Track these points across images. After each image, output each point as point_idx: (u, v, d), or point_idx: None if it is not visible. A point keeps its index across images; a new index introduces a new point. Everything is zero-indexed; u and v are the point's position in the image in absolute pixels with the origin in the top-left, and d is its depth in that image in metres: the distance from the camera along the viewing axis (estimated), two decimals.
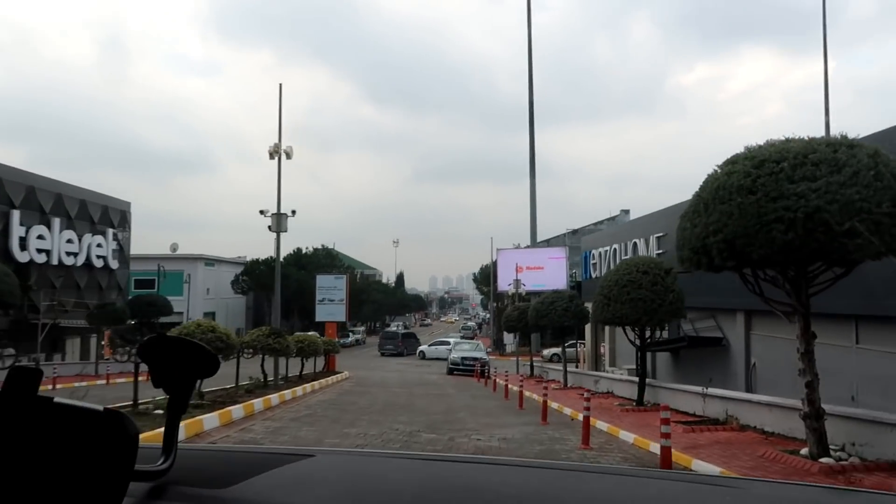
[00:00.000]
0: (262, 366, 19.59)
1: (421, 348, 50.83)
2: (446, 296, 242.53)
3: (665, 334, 23.38)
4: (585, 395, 12.63)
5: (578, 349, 49.69)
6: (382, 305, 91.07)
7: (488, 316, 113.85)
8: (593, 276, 31.71)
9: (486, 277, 61.10)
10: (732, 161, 9.27)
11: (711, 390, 13.64)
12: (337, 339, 59.96)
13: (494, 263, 56.26)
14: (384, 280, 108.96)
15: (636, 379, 18.98)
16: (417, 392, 22.64)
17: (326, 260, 66.43)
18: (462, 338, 73.99)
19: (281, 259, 57.56)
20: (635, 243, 27.10)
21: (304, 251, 64.40)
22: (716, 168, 9.56)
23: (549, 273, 54.07)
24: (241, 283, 53.36)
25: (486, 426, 13.58)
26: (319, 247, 65.96)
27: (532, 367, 31.17)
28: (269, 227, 20.64)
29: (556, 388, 22.63)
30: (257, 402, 14.75)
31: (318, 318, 31.88)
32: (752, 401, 12.62)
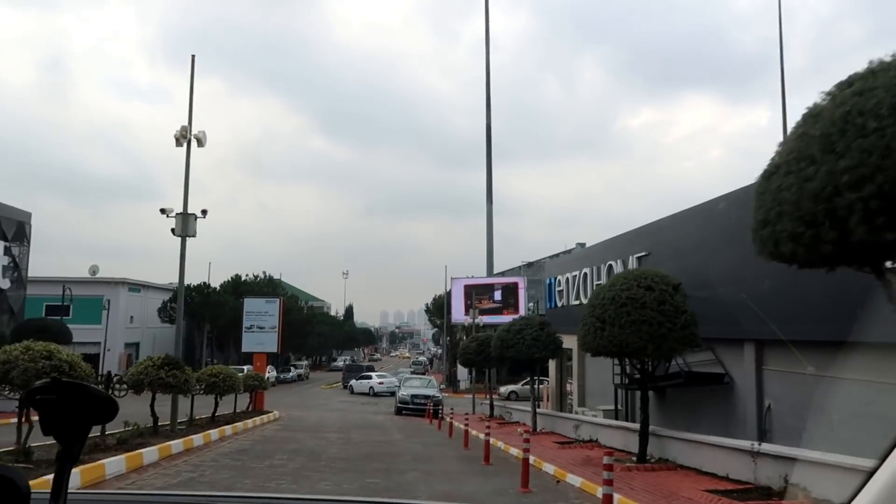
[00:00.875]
0: (151, 406, 15.01)
1: (351, 382, 46.59)
2: (397, 330, 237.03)
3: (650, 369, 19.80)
4: (568, 444, 8.57)
5: (541, 386, 45.82)
6: (329, 338, 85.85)
7: (440, 351, 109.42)
8: (559, 304, 27.91)
9: (438, 308, 56.96)
10: (854, 80, 5.53)
11: (766, 447, 9.76)
12: (269, 374, 54.97)
13: (448, 294, 52.26)
14: (333, 313, 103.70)
15: (630, 425, 15.11)
16: (356, 438, 18.27)
17: (268, 288, 61.36)
18: (413, 373, 69.37)
19: (215, 286, 52.30)
20: (610, 266, 23.48)
21: (243, 278, 59.34)
22: (823, 94, 5.80)
23: (507, 303, 50.31)
24: (168, 310, 48.07)
25: (445, 497, 9.39)
26: (261, 274, 61.06)
27: (492, 406, 27.01)
28: (173, 231, 16.23)
29: (524, 434, 18.56)
30: (112, 462, 10.19)
31: (245, 347, 27.27)
32: (828, 462, 8.77)
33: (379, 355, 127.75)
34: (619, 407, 21.40)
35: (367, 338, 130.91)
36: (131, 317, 49.86)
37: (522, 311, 48.66)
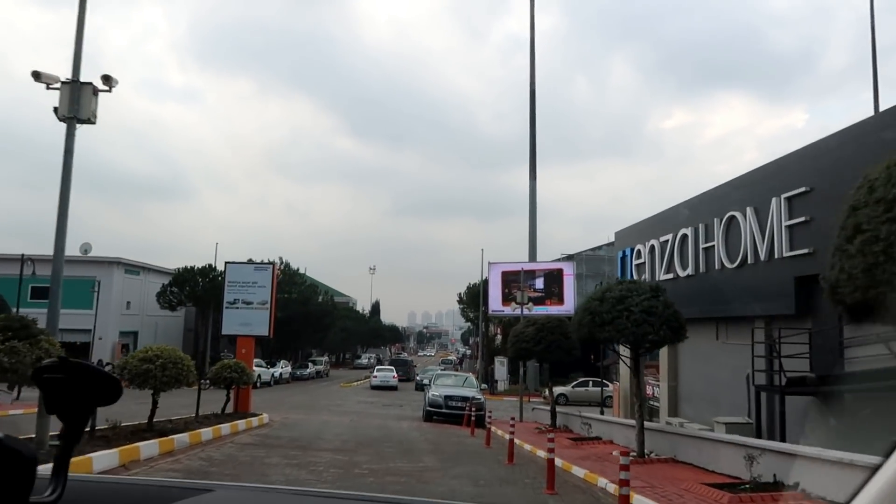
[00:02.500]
0: None
1: (373, 378, 44.52)
2: (425, 330, 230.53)
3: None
4: None
5: (599, 389, 38.48)
6: (353, 334, 79.13)
7: (469, 352, 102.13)
8: (644, 280, 20.56)
9: (473, 298, 49.68)
10: None
11: None
12: (282, 370, 48.26)
13: (485, 282, 45.09)
14: (359, 310, 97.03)
15: (828, 455, 7.97)
16: (362, 464, 11.28)
17: (283, 276, 54.80)
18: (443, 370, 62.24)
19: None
20: (732, 218, 16.23)
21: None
22: None
23: (552, 293, 43.00)
24: (168, 295, 41.71)
25: None
26: (277, 259, 54.43)
27: (554, 413, 19.81)
28: (56, 112, 9.37)
29: (623, 459, 11.45)
30: None
31: (226, 328, 20.34)
32: None
33: (406, 354, 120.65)
34: (749, 419, 14.13)
35: (394, 335, 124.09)
36: (128, 302, 43.58)
37: (569, 302, 41.38)
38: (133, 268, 44.05)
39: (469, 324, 57.38)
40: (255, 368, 41.72)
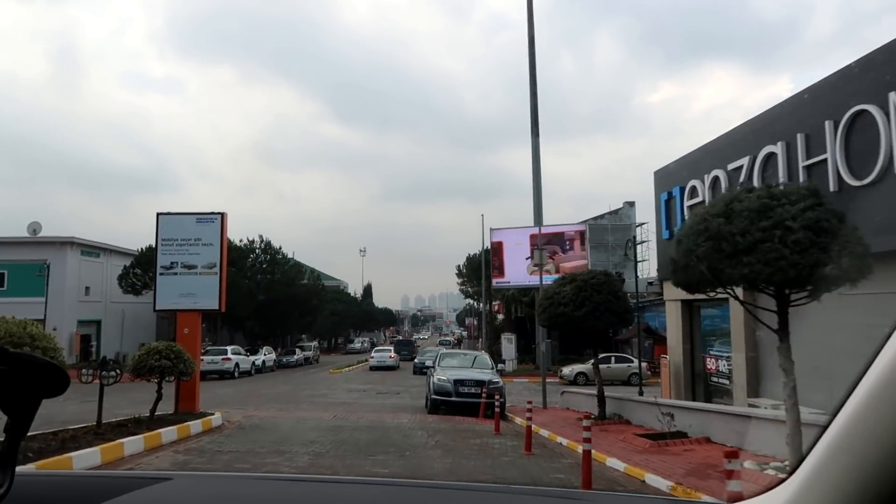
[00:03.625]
0: None
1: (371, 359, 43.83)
2: (419, 313, 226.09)
3: None
4: None
5: (624, 365, 33.66)
6: (344, 318, 74.20)
7: (464, 333, 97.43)
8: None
9: (474, 270, 44.66)
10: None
11: None
12: (265, 357, 43.20)
13: (487, 251, 40.17)
14: (351, 293, 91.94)
15: None
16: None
17: (265, 256, 49.71)
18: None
19: None
20: (859, 114, 11.32)
21: (233, 244, 47.60)
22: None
23: (567, 258, 38.10)
24: (131, 277, 36.52)
25: None
26: (256, 238, 49.30)
27: (602, 399, 14.95)
28: None
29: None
30: None
31: (161, 302, 15.14)
32: None
33: (401, 337, 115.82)
34: None
35: (388, 319, 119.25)
36: (87, 287, 38.33)
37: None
38: (91, 249, 38.79)
39: (469, 300, 52.37)
40: (231, 357, 36.94)
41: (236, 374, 35.27)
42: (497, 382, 17.46)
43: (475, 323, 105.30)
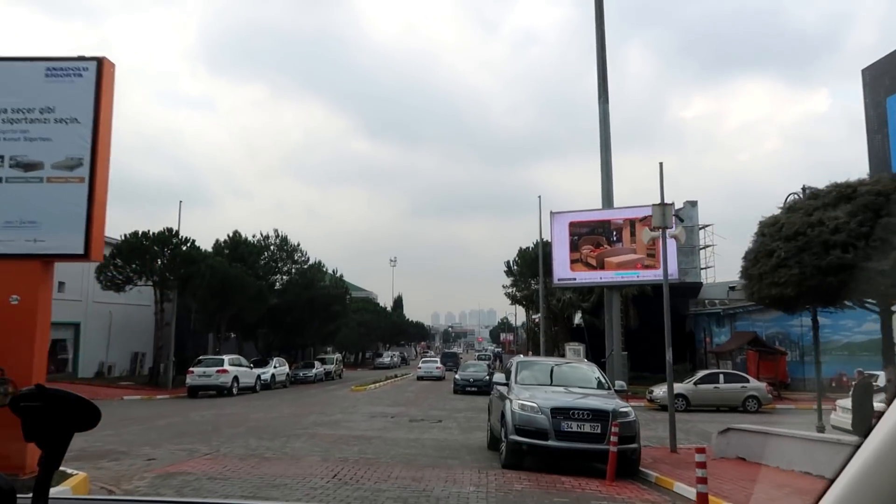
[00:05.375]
0: None
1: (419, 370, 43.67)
2: (450, 329, 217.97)
3: None
4: None
5: (738, 385, 24.83)
6: (373, 329, 66.61)
7: (499, 350, 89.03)
8: None
9: (530, 264, 36.57)
10: None
11: None
12: (275, 370, 35.26)
13: (544, 244, 32.32)
14: (380, 303, 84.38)
15: None
16: None
17: (282, 253, 42.46)
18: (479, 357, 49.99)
19: (195, 240, 33.60)
20: None
21: (244, 238, 40.44)
22: None
23: (646, 252, 30.08)
24: (111, 270, 29.45)
25: None
26: (271, 233, 42.01)
27: None
28: None
29: None
30: None
31: None
32: None
33: (433, 352, 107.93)
34: None
35: (420, 332, 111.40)
36: (60, 283, 31.21)
37: (672, 264, 28.54)
38: None
39: (516, 307, 44.00)
40: (229, 369, 29.46)
41: (234, 391, 27.84)
42: (627, 414, 9.58)
43: (510, 338, 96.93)
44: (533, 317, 60.25)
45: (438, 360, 49.78)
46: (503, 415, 10.14)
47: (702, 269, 41.67)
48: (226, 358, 28.38)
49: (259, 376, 31.07)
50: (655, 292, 38.70)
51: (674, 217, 13.75)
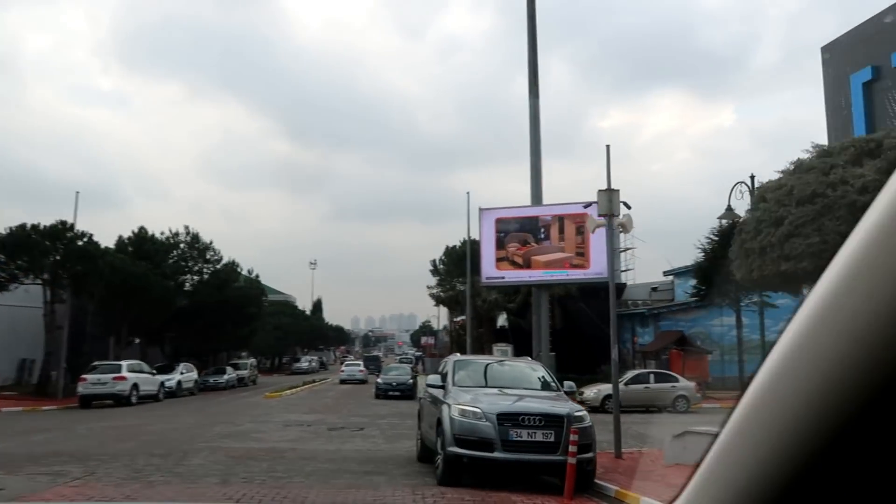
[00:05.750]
0: None
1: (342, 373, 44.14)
2: (370, 334, 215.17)
3: None
4: None
5: (668, 385, 24.09)
6: (290, 333, 63.79)
7: (420, 353, 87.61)
8: None
9: (457, 262, 35.24)
10: None
11: None
12: (181, 377, 32.25)
13: (472, 242, 31.18)
14: (300, 309, 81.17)
15: None
16: None
17: (192, 252, 39.48)
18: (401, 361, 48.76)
19: (94, 236, 30.48)
20: None
21: (151, 235, 37.29)
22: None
23: (576, 249, 29.39)
24: None
25: None
26: (181, 229, 38.97)
27: None
28: None
29: None
30: None
31: None
32: None
33: (353, 357, 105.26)
34: None
35: (340, 336, 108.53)
36: None
37: (598, 263, 27.93)
38: None
39: (440, 307, 42.42)
40: (127, 376, 26.63)
41: (134, 400, 25.13)
42: (583, 419, 8.30)
43: (432, 342, 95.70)
44: (455, 319, 59.16)
45: (361, 363, 49.70)
46: (439, 422, 8.66)
47: (622, 271, 41.76)
48: (123, 363, 25.62)
49: (163, 383, 28.38)
50: (581, 293, 38.40)
51: (621, 204, 12.75)
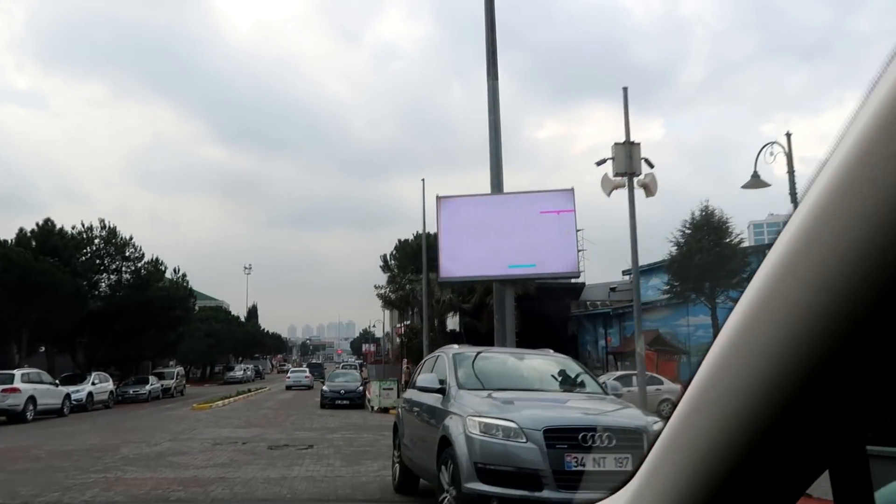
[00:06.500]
0: None
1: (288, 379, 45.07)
2: (308, 342, 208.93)
3: None
4: None
5: (652, 388, 21.70)
6: (222, 340, 59.14)
7: (360, 361, 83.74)
8: None
9: (411, 258, 32.09)
10: None
11: None
12: (90, 387, 27.67)
13: (426, 236, 28.24)
14: (234, 315, 76.04)
15: None
16: None
17: (109, 248, 35.05)
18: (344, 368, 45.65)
19: None
20: None
21: (60, 228, 32.72)
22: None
23: (542, 241, 26.86)
24: None
25: None
26: (96, 223, 34.47)
27: None
28: None
29: None
30: None
31: None
32: None
33: (290, 366, 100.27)
34: None
35: (277, 344, 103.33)
36: None
37: (569, 257, 25.40)
38: None
39: (389, 310, 38.79)
40: (21, 387, 22.21)
41: (29, 416, 21.03)
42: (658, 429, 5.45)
43: (373, 349, 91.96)
44: (398, 325, 55.95)
45: (308, 370, 51.52)
46: (446, 443, 5.69)
47: (580, 271, 39.72)
48: (16, 373, 21.45)
49: (68, 395, 24.21)
50: (539, 292, 36.02)
51: (642, 160, 10.11)
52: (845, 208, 0.49)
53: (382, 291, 35.38)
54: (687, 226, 26.64)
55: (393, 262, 35.34)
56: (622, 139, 11.19)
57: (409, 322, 40.83)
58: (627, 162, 9.91)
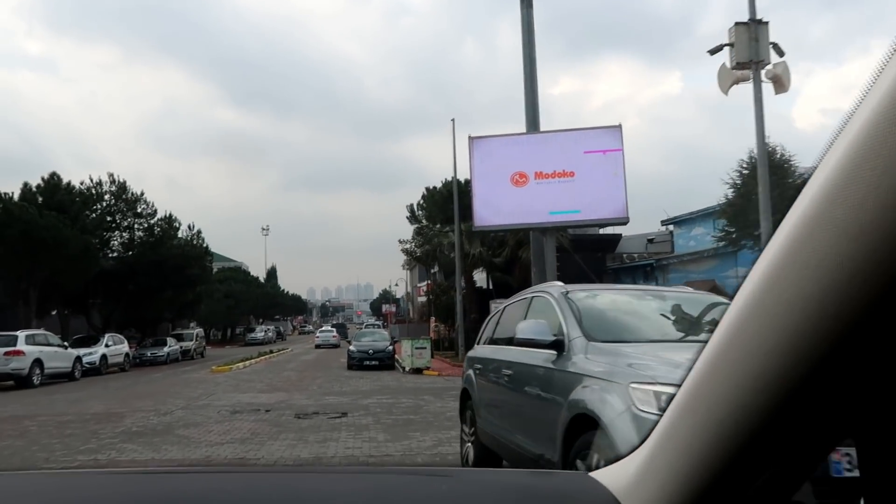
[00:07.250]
0: None
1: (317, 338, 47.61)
2: (328, 303, 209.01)
3: None
4: None
5: None
6: (242, 301, 57.65)
7: (381, 322, 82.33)
8: None
9: (441, 206, 29.77)
10: None
11: None
12: (107, 349, 25.89)
13: (459, 184, 25.89)
14: (253, 276, 74.54)
15: None
16: None
17: (119, 204, 33.11)
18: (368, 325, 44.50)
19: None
20: None
21: (68, 183, 30.81)
22: None
23: (588, 184, 24.38)
24: None
25: None
26: (105, 177, 32.52)
27: None
28: None
29: None
30: None
31: None
32: None
33: (311, 327, 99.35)
34: None
35: (297, 305, 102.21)
36: None
37: (618, 200, 23.00)
38: None
39: (420, 262, 36.35)
40: (25, 350, 20.58)
41: (36, 380, 19.34)
42: None
43: (393, 310, 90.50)
44: (418, 284, 53.95)
45: (334, 330, 52.86)
46: (587, 424, 3.55)
47: (628, 217, 37.22)
48: (20, 334, 19.65)
49: (79, 358, 22.53)
50: (573, 245, 33.67)
51: (770, 46, 7.71)
52: (849, 195, 0.48)
53: (408, 246, 33.17)
54: (744, 165, 24.06)
55: (420, 212, 33.01)
56: (732, 25, 8.43)
57: (430, 281, 38.76)
58: (753, 47, 7.48)
